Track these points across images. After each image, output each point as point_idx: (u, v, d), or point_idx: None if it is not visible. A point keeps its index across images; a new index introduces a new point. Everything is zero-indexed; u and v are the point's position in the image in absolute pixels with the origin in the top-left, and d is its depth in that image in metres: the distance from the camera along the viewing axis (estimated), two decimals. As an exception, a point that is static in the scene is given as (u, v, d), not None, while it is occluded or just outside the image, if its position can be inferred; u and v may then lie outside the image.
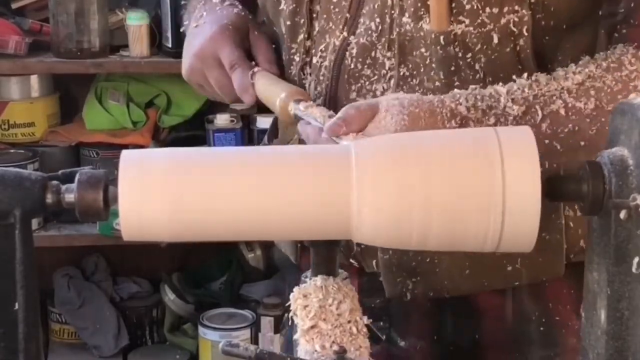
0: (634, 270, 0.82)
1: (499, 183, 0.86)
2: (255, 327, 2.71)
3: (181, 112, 2.75)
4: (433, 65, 1.16)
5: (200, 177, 0.89)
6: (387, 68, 1.18)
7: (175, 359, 2.81)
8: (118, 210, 0.88)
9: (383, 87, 1.18)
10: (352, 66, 1.20)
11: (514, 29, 1.14)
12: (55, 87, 2.78)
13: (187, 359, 2.81)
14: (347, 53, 1.20)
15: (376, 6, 1.17)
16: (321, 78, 1.23)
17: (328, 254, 1.03)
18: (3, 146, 2.68)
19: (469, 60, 1.15)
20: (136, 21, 2.57)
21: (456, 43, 1.14)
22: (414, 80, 1.17)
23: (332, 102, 1.21)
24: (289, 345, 1.10)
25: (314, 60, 1.23)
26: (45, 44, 2.61)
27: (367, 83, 1.20)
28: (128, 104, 2.72)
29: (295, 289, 1.01)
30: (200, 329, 2.72)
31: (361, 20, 1.19)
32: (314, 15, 1.23)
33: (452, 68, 1.15)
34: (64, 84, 2.79)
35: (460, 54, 1.14)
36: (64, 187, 0.89)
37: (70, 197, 0.88)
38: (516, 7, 1.13)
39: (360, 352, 0.95)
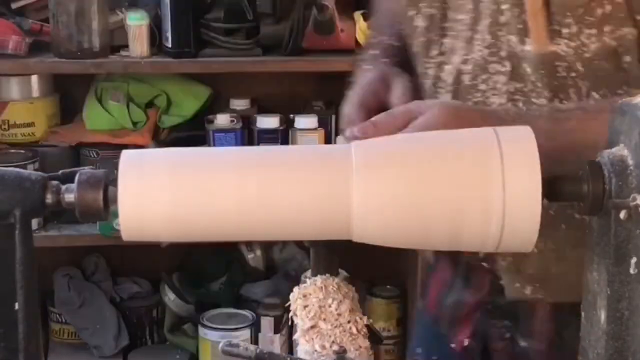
0: (631, 271, 0.82)
1: (499, 183, 0.86)
2: (255, 327, 2.71)
3: (181, 112, 2.75)
4: (538, 83, 1.19)
5: (200, 177, 0.89)
6: (500, 83, 1.22)
7: (175, 359, 2.81)
8: (118, 210, 0.88)
9: (498, 101, 1.22)
10: (468, 82, 1.24)
11: (617, 48, 1.15)
12: (55, 87, 2.78)
13: (187, 359, 2.81)
14: (465, 68, 1.24)
15: (488, 23, 1.22)
16: (447, 92, 1.27)
17: (328, 254, 1.03)
18: (3, 146, 2.68)
19: (573, 76, 1.17)
20: (136, 21, 2.57)
21: (557, 62, 1.17)
22: (524, 96, 1.21)
23: None
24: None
25: (444, 75, 1.27)
26: (45, 44, 2.61)
27: (482, 97, 1.23)
28: (128, 104, 2.72)
29: (295, 289, 1.01)
30: (201, 329, 2.72)
31: (478, 36, 1.23)
32: (444, 33, 1.28)
33: (556, 83, 1.18)
34: (64, 84, 2.79)
35: (563, 73, 1.17)
36: (64, 187, 0.89)
37: (70, 197, 0.88)
38: (619, 27, 1.15)
39: (360, 352, 0.95)
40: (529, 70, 1.19)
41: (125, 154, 0.90)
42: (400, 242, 0.93)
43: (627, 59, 1.16)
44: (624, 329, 0.84)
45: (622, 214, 0.83)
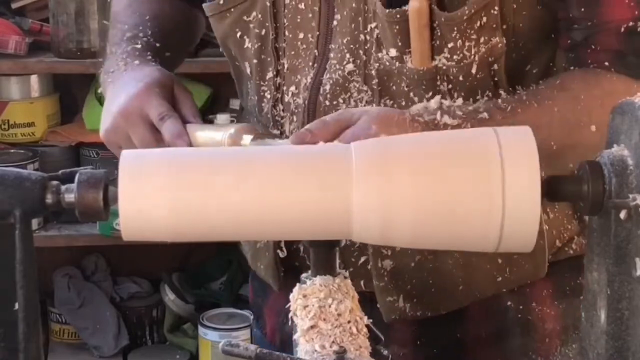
0: (638, 273, 0.82)
1: (498, 183, 0.86)
2: (255, 327, 2.71)
3: (181, 112, 2.74)
4: (415, 97, 1.18)
5: (200, 177, 0.89)
6: (365, 101, 1.20)
7: (175, 359, 2.81)
8: (118, 210, 0.88)
9: None
10: (327, 103, 1.20)
11: (491, 57, 1.17)
12: (55, 87, 2.78)
13: (187, 359, 2.81)
14: (321, 89, 1.20)
15: (345, 41, 1.19)
16: (295, 115, 1.23)
17: (328, 254, 1.03)
18: (3, 146, 2.68)
19: (449, 88, 1.17)
20: (136, 21, 2.56)
21: (437, 77, 1.17)
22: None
23: None
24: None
25: (286, 98, 1.24)
26: (45, 44, 2.61)
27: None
28: (128, 104, 2.72)
29: (295, 289, 1.01)
30: (200, 329, 2.72)
31: (331, 55, 1.20)
32: (280, 52, 1.23)
33: (430, 94, 1.17)
34: (64, 84, 2.79)
35: (441, 86, 1.17)
36: (64, 187, 0.89)
37: (70, 197, 0.88)
38: (492, 36, 1.16)
39: (360, 352, 0.95)
40: (403, 86, 1.18)
41: (125, 154, 0.90)
42: (400, 242, 0.93)
43: (496, 66, 1.18)
44: (624, 329, 0.84)
45: (622, 214, 0.83)
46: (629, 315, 0.84)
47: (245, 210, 0.89)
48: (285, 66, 1.23)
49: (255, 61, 1.26)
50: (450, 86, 1.17)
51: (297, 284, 1.02)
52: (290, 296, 1.01)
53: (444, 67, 1.16)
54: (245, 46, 1.26)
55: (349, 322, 0.98)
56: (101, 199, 0.87)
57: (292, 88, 1.23)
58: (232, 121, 2.90)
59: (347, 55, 1.19)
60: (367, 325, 0.99)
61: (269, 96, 1.26)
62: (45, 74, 2.70)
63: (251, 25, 1.25)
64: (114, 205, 0.88)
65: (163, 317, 2.89)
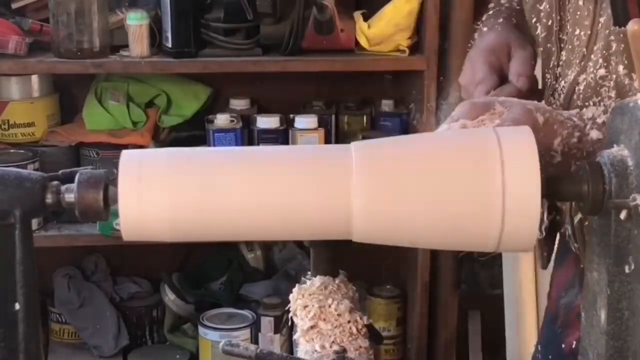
0: (626, 270, 0.82)
1: (499, 183, 0.86)
2: (255, 327, 2.70)
3: (181, 112, 2.75)
4: None
5: (200, 177, 0.89)
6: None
7: (175, 359, 2.81)
8: (118, 210, 0.88)
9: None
10: (580, 102, 1.22)
11: None
12: (55, 87, 2.78)
13: (187, 359, 2.81)
14: (577, 88, 1.23)
15: (601, 46, 1.20)
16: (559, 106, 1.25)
17: (328, 254, 1.03)
18: (3, 146, 2.68)
19: None
20: (136, 21, 2.57)
21: None
22: None
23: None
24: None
25: (559, 87, 1.27)
26: (45, 44, 2.61)
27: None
28: (128, 104, 2.72)
29: (295, 289, 1.01)
30: (201, 329, 2.72)
31: (592, 57, 1.21)
32: (562, 44, 1.27)
33: None
34: (64, 84, 2.79)
35: None
36: (64, 187, 0.89)
37: (70, 197, 0.88)
38: None
39: (360, 352, 0.95)
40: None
41: (125, 154, 0.90)
42: (400, 242, 0.93)
43: None
44: (624, 329, 0.84)
45: (622, 214, 0.83)
46: (629, 315, 0.84)
47: (245, 210, 0.89)
48: (563, 59, 1.26)
49: (541, 48, 1.30)
50: None
51: (297, 284, 1.02)
52: (290, 296, 1.01)
53: None
54: (537, 32, 1.30)
55: (348, 322, 0.98)
56: (101, 199, 0.87)
57: (564, 79, 1.26)
58: (232, 121, 2.88)
59: (600, 60, 1.20)
60: (367, 325, 0.99)
61: (549, 84, 1.29)
62: (45, 74, 2.70)
63: (541, 15, 1.30)
64: (114, 205, 0.88)
65: (163, 317, 2.88)
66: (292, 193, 0.89)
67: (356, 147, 0.90)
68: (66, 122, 2.78)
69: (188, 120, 2.75)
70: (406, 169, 0.88)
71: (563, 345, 1.34)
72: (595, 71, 1.20)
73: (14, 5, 2.67)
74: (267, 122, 2.61)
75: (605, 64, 1.20)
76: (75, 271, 2.85)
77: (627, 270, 0.82)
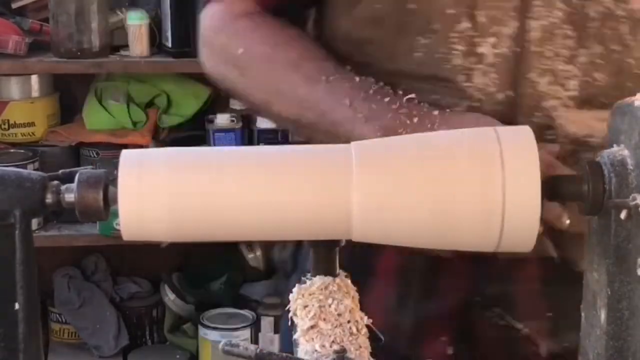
0: (638, 272, 0.82)
1: (499, 183, 0.86)
2: (255, 327, 2.71)
3: (181, 112, 2.75)
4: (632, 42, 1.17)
5: (200, 177, 0.89)
6: (569, 48, 1.18)
7: (175, 359, 2.81)
8: (118, 210, 0.88)
9: (567, 67, 1.18)
10: (534, 49, 1.18)
11: None
12: (55, 87, 2.78)
13: (187, 359, 2.81)
14: (527, 36, 1.18)
15: None
16: (495, 66, 1.19)
17: (328, 254, 1.02)
18: (3, 146, 2.68)
19: None
20: (136, 21, 2.57)
21: None
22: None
23: (513, 82, 1.19)
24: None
25: (481, 49, 1.19)
26: (45, 44, 2.61)
27: (548, 63, 1.18)
28: (128, 104, 2.72)
29: (295, 289, 1.01)
30: (201, 329, 2.72)
31: (537, 2, 1.17)
32: (475, 3, 1.19)
33: None
34: (64, 84, 2.79)
35: None
36: (64, 187, 0.88)
37: (70, 197, 0.88)
38: None
39: (360, 352, 0.95)
40: (626, 31, 1.17)
41: (125, 153, 0.90)
42: (401, 242, 0.93)
43: None
44: (624, 329, 0.84)
45: (622, 214, 0.83)
46: (629, 315, 0.84)
47: (245, 210, 0.89)
48: (483, 17, 1.18)
49: (448, 11, 1.19)
50: None
51: (297, 284, 1.02)
52: (290, 296, 1.00)
53: None
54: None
55: (349, 322, 0.97)
56: (101, 199, 0.87)
57: (492, 39, 1.19)
58: (232, 121, 2.88)
59: (557, 2, 1.17)
60: (367, 325, 0.99)
61: (461, 48, 1.20)
62: (45, 74, 2.71)
63: None
64: (114, 205, 0.88)
65: (163, 317, 2.89)
66: (292, 193, 0.89)
67: (356, 147, 0.90)
68: (66, 122, 2.79)
69: (188, 120, 2.75)
70: (406, 168, 0.88)
71: None
72: (550, 13, 1.18)
73: (14, 5, 2.67)
74: (267, 122, 2.61)
75: (564, 4, 1.17)
76: (75, 271, 2.85)
77: (639, 273, 0.82)
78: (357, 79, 1.17)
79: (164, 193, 0.87)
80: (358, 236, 0.90)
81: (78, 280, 2.83)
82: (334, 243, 1.02)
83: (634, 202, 0.82)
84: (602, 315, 0.86)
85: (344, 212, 0.88)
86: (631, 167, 0.84)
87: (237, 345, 0.91)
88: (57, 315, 2.83)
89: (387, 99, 1.14)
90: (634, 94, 1.11)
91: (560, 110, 1.18)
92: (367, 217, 0.88)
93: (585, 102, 1.19)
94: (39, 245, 1.08)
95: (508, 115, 1.16)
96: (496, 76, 1.19)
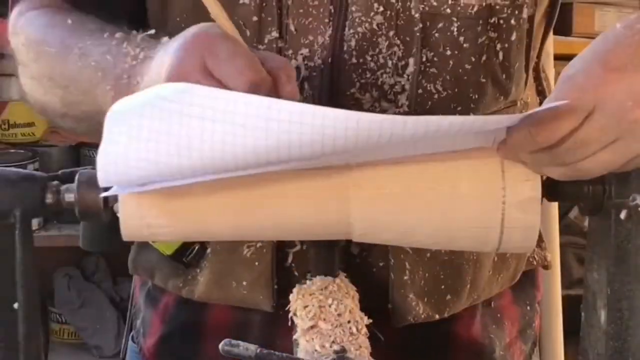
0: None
1: (499, 184, 0.86)
2: (255, 327, 2.70)
3: (181, 112, 2.74)
4: (465, 43, 1.06)
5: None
6: (397, 57, 1.06)
7: (175, 358, 2.81)
8: (118, 210, 0.88)
9: (395, 80, 1.07)
10: (354, 60, 1.06)
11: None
12: (55, 87, 2.78)
13: (187, 358, 2.81)
14: (346, 46, 1.06)
15: None
16: (309, 80, 1.08)
17: (328, 254, 1.03)
18: (3, 146, 2.68)
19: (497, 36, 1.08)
20: (136, 21, 2.57)
21: (491, 21, 1.07)
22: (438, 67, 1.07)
23: (331, 99, 1.07)
24: None
25: (293, 62, 1.07)
26: (45, 44, 2.61)
27: (371, 76, 1.07)
28: (128, 104, 2.72)
29: (295, 289, 1.01)
30: (200, 329, 2.72)
31: (353, 8, 1.06)
32: (284, 11, 1.06)
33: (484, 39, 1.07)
34: (64, 84, 2.79)
35: (490, 31, 1.07)
36: (64, 187, 0.89)
37: (70, 197, 0.88)
38: None
39: (360, 352, 0.95)
40: (454, 30, 1.05)
41: (126, 154, 0.90)
42: (400, 242, 0.93)
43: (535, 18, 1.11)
44: (624, 329, 0.84)
45: (622, 214, 0.83)
46: (629, 315, 0.84)
47: (245, 210, 0.89)
48: (292, 27, 1.07)
49: (254, 19, 1.07)
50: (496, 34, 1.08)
51: (297, 284, 1.02)
52: (290, 296, 1.00)
53: (497, 7, 1.06)
54: (241, 2, 1.07)
55: (349, 322, 0.97)
56: (101, 199, 0.87)
57: (304, 50, 1.07)
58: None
59: (375, 5, 1.05)
60: (367, 325, 0.99)
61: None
62: (46, 74, 2.70)
63: None
64: (114, 205, 0.88)
65: (163, 317, 2.88)
66: (292, 192, 0.89)
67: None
68: (66, 122, 2.78)
69: (188, 120, 2.74)
70: (406, 168, 0.88)
71: None
72: (369, 19, 1.06)
73: (14, 5, 2.67)
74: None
75: (382, 8, 1.06)
76: (75, 271, 2.85)
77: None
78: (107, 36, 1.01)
79: (164, 193, 0.87)
80: (358, 236, 0.91)
81: (78, 280, 2.83)
82: (334, 243, 1.02)
83: (634, 202, 0.82)
84: (602, 315, 0.86)
85: (344, 212, 0.88)
86: (631, 167, 0.84)
87: (237, 345, 0.91)
88: (57, 315, 2.82)
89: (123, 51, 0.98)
90: (479, 105, 1.08)
91: None
92: (367, 217, 0.88)
93: None
94: (39, 245, 1.08)
95: None
96: (311, 92, 1.07)
